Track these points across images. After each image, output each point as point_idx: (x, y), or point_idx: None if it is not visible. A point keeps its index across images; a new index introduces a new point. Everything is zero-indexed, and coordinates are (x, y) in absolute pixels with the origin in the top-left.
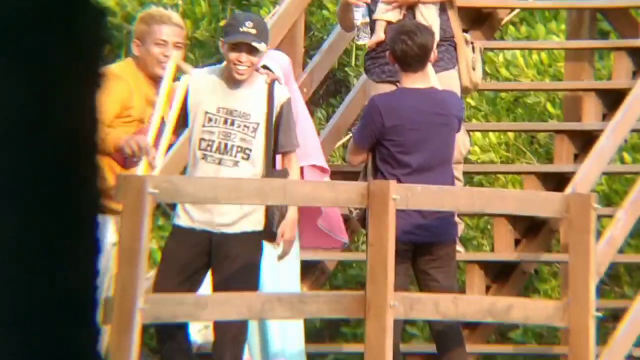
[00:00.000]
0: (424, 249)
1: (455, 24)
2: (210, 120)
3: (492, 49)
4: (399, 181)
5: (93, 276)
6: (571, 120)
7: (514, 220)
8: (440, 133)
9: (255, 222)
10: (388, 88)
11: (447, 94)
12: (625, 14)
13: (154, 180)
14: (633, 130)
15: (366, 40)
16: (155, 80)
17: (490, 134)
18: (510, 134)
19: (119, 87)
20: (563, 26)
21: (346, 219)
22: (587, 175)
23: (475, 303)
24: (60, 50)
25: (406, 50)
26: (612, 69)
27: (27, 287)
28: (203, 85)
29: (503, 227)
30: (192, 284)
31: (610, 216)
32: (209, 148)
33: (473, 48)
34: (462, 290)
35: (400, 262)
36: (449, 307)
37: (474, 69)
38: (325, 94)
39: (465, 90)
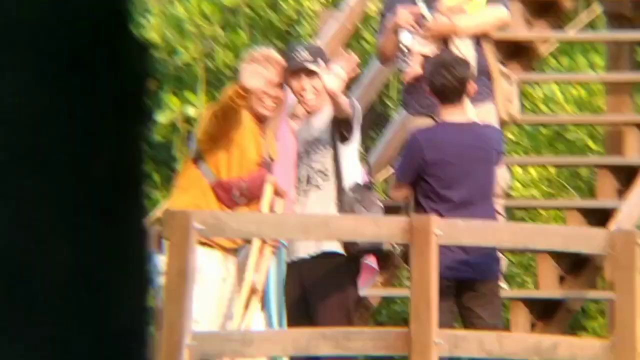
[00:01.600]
0: (468, 286)
1: (491, 56)
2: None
3: (530, 82)
4: (441, 216)
5: (142, 313)
6: (613, 154)
7: (558, 257)
8: (481, 167)
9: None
10: (426, 122)
11: (487, 127)
12: None
13: (199, 215)
14: None
15: (429, 15)
16: (259, 119)
17: (531, 169)
18: (552, 170)
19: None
20: (603, 60)
21: (388, 255)
22: (631, 210)
23: (520, 341)
24: (104, 85)
25: (445, 83)
26: None
27: (73, 324)
28: None
29: (547, 263)
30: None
31: None
32: (300, 184)
33: (510, 81)
34: (506, 328)
35: (444, 299)
36: (493, 344)
37: (510, 101)
38: (366, 128)
39: (502, 124)
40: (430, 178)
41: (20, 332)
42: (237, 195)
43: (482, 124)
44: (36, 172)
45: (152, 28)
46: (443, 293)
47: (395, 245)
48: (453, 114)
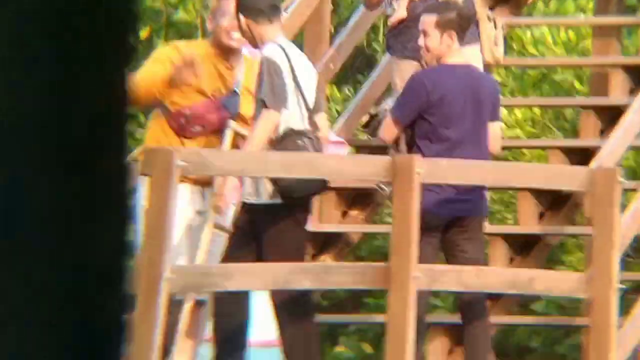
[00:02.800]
0: (457, 222)
1: (478, 1)
2: None
3: (518, 25)
4: (438, 156)
5: (123, 248)
6: (598, 95)
7: (539, 194)
8: (477, 109)
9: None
10: (410, 64)
11: (483, 75)
12: None
13: (182, 152)
14: None
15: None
16: (226, 52)
17: (516, 110)
18: (537, 111)
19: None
20: (591, 4)
21: (369, 192)
22: (613, 149)
23: (498, 275)
24: (89, 25)
25: (452, 21)
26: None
27: (53, 260)
28: None
29: (527, 200)
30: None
31: (635, 190)
32: None
33: (495, 24)
34: (485, 263)
35: (432, 235)
36: (472, 279)
37: (496, 44)
38: (353, 71)
39: (487, 66)
40: (432, 117)
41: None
42: (183, 123)
43: (477, 69)
44: (18, 112)
45: None
46: (432, 230)
47: (384, 187)
48: (455, 57)
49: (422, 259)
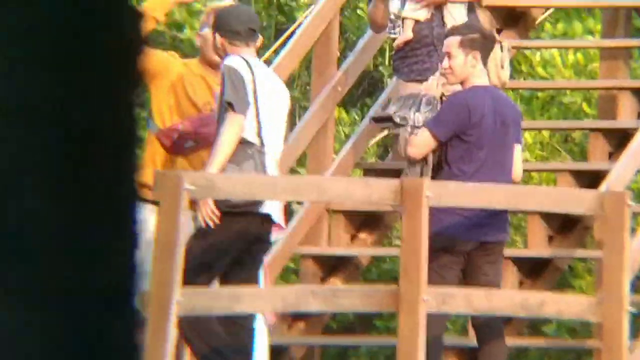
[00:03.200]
0: (482, 246)
1: (485, 23)
2: None
3: (526, 48)
4: (469, 178)
5: (130, 268)
6: (606, 118)
7: (548, 217)
8: (504, 130)
9: None
10: (416, 87)
11: (506, 97)
12: None
13: (190, 176)
14: None
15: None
16: (214, 67)
17: (525, 133)
18: (545, 134)
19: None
20: (599, 26)
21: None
22: (621, 172)
23: (508, 298)
24: (99, 49)
25: (480, 44)
26: None
27: (59, 278)
28: None
29: (537, 223)
30: None
31: None
32: None
33: (502, 47)
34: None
35: (457, 259)
36: (481, 301)
37: (502, 67)
38: (361, 94)
39: None
40: (469, 138)
41: (8, 285)
42: (175, 138)
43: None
44: (29, 130)
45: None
46: (458, 255)
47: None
48: (481, 77)
49: (446, 283)
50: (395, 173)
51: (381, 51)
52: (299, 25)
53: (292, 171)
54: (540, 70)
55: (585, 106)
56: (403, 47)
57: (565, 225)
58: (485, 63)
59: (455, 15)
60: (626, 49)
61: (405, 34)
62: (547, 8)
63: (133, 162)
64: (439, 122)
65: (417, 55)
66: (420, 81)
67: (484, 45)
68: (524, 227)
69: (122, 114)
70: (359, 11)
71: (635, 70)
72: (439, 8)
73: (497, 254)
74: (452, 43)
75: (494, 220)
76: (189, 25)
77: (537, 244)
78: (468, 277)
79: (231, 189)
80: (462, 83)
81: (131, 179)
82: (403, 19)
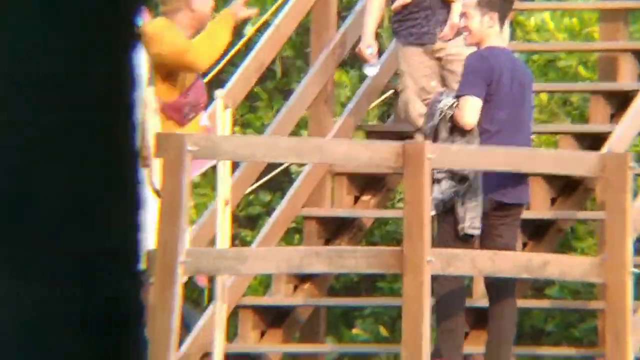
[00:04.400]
0: (500, 207)
1: None
2: None
3: (527, 9)
4: (492, 136)
5: (134, 229)
6: (606, 80)
7: (550, 179)
8: (521, 92)
9: None
10: (415, 51)
11: (521, 60)
12: None
13: (193, 137)
14: None
15: (374, 71)
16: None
17: None
18: (543, 97)
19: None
20: None
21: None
22: (623, 134)
23: (511, 259)
24: (96, 10)
25: (504, 5)
26: None
27: (64, 238)
28: None
29: (539, 186)
30: None
31: None
32: None
33: None
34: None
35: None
36: (485, 263)
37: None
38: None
39: None
40: (490, 97)
41: (14, 252)
42: (187, 111)
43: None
44: (29, 97)
45: None
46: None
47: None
48: (497, 39)
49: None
50: (397, 135)
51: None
52: None
53: (294, 134)
54: (534, 35)
55: (581, 69)
56: (401, 10)
57: (567, 187)
58: (502, 24)
59: None
60: (625, 10)
61: None
62: None
63: (133, 123)
64: (472, 84)
65: (415, 19)
66: (419, 45)
67: (502, 7)
68: None
69: (121, 76)
70: None
71: (632, 34)
72: None
73: (514, 216)
74: (469, 3)
75: (513, 182)
76: None
77: (540, 206)
78: (483, 237)
79: (234, 149)
80: (478, 44)
81: (131, 140)
82: None
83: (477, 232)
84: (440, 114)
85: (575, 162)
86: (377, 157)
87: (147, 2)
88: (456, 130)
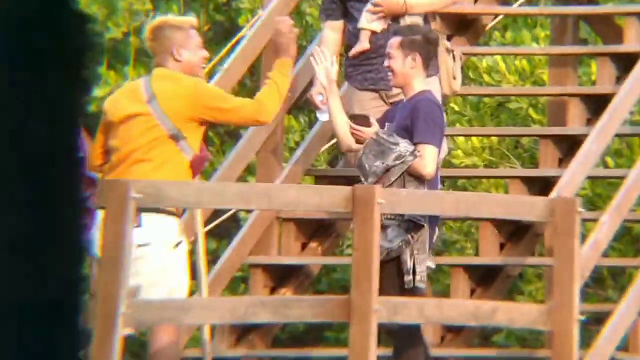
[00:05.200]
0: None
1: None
2: None
3: (476, 54)
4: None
5: (76, 281)
6: (555, 125)
7: (499, 224)
8: None
9: None
10: (369, 96)
11: None
12: (608, 20)
13: (137, 184)
14: (617, 135)
15: (327, 116)
16: None
17: (474, 138)
18: (494, 139)
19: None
20: (545, 33)
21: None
22: (571, 179)
23: (459, 307)
24: (45, 55)
25: (433, 53)
26: (596, 75)
27: (9, 292)
28: None
29: (488, 231)
30: None
31: (594, 220)
32: None
33: (454, 56)
34: (446, 294)
35: None
36: (433, 310)
37: (454, 77)
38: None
39: (443, 98)
40: None
41: None
42: (206, 165)
43: None
44: None
45: (81, 3)
46: None
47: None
48: (422, 81)
49: None
50: (347, 180)
51: None
52: (255, 21)
53: (241, 179)
54: (486, 76)
55: (532, 112)
56: (358, 56)
57: (516, 232)
58: (427, 66)
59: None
60: (574, 56)
61: (362, 44)
62: (497, 15)
63: (75, 171)
64: (433, 133)
65: (372, 64)
66: (374, 90)
67: (424, 48)
68: (474, 234)
69: (65, 122)
70: (307, 17)
71: (580, 78)
72: (396, 19)
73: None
74: (392, 43)
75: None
76: (112, 22)
77: (489, 252)
78: None
79: (180, 196)
80: (402, 86)
81: (77, 196)
82: (360, 29)
83: (424, 285)
84: (399, 157)
85: (524, 206)
86: (326, 202)
87: (94, 48)
88: (411, 175)
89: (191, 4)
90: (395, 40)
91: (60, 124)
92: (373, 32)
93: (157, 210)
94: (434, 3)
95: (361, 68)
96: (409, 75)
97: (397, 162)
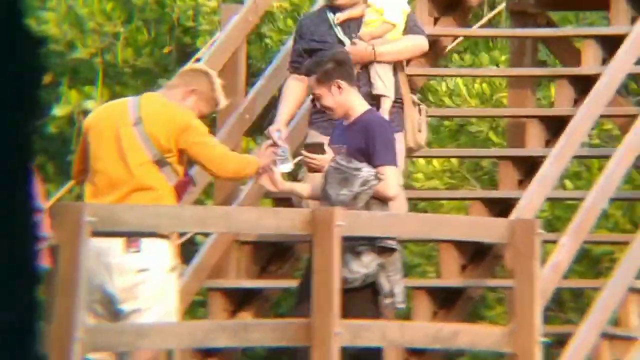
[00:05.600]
0: None
1: (404, 86)
2: None
3: (436, 76)
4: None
5: (32, 307)
6: (515, 146)
7: (460, 246)
8: None
9: None
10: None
11: None
12: (566, 42)
13: (92, 207)
14: (575, 157)
15: (288, 166)
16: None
17: (434, 161)
18: (454, 161)
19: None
20: (505, 56)
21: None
22: (531, 201)
23: (421, 329)
24: None
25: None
26: (554, 97)
27: None
28: None
29: (449, 253)
30: None
31: (554, 242)
32: None
33: (420, 110)
34: (408, 317)
35: None
36: (395, 333)
37: (419, 131)
38: (268, 123)
39: (409, 151)
40: None
41: None
42: (190, 189)
43: None
44: None
45: (51, 23)
46: None
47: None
48: (358, 100)
49: None
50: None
51: None
52: (208, 48)
53: (199, 202)
54: (447, 100)
55: (492, 135)
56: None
57: (477, 254)
58: (352, 83)
59: (382, 74)
60: (533, 78)
61: None
62: (456, 37)
63: (30, 193)
64: (391, 153)
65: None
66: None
67: (341, 71)
68: (435, 257)
69: (19, 144)
70: (266, 39)
71: (541, 100)
72: (365, 67)
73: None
74: (312, 84)
75: None
76: (81, 43)
77: (450, 274)
78: None
79: (136, 220)
80: (345, 115)
81: (30, 219)
82: None
83: (404, 305)
84: (365, 183)
85: (485, 228)
86: (285, 224)
87: (47, 70)
88: (375, 198)
89: (159, 27)
90: (312, 81)
91: (6, 148)
92: None
93: (154, 235)
94: (403, 50)
95: (327, 115)
96: (344, 101)
97: (364, 187)
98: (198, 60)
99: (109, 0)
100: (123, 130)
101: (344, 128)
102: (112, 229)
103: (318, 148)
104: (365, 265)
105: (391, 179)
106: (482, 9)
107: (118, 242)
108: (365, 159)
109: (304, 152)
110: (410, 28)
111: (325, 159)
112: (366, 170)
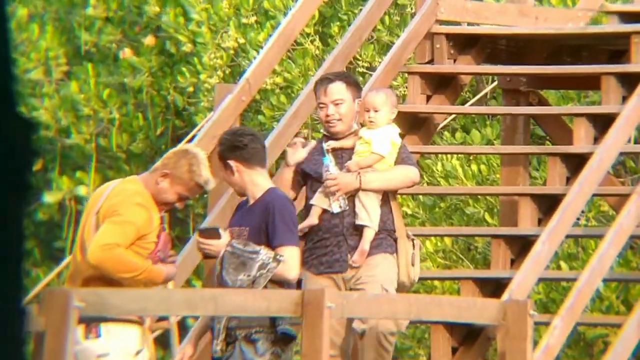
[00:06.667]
0: None
1: (398, 218)
2: None
3: (428, 153)
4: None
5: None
6: (508, 225)
7: (451, 328)
8: None
9: None
10: (325, 283)
11: None
12: (558, 120)
13: (80, 293)
14: (568, 237)
15: (335, 171)
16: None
17: (427, 242)
18: (448, 241)
19: (143, 215)
20: (496, 134)
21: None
22: (523, 281)
23: None
24: None
25: (257, 148)
26: (547, 175)
27: None
28: None
29: (440, 335)
30: None
31: (547, 324)
32: None
33: (413, 245)
34: None
35: None
36: None
37: (412, 264)
38: None
39: (401, 286)
40: None
41: None
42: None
43: None
44: None
45: (42, 109)
46: None
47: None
48: (262, 178)
49: None
50: (297, 282)
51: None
52: (199, 130)
53: (187, 284)
54: (442, 181)
55: (487, 216)
56: (312, 237)
57: (468, 336)
58: (252, 162)
59: (367, 204)
60: (526, 155)
61: (311, 219)
62: (449, 115)
63: (19, 277)
64: (293, 233)
65: (326, 247)
66: (329, 275)
67: (237, 153)
68: (426, 340)
69: (9, 228)
70: (260, 117)
71: (534, 180)
72: (351, 196)
73: None
74: (211, 181)
75: None
76: (75, 130)
77: (441, 357)
78: None
79: (124, 304)
80: (249, 192)
81: (17, 296)
82: (311, 205)
83: None
84: (263, 266)
85: (476, 309)
86: (275, 306)
87: (38, 156)
88: (274, 282)
89: (154, 109)
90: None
91: (4, 229)
92: (324, 211)
93: (117, 320)
94: (391, 179)
95: (316, 252)
96: (243, 182)
97: (262, 271)
98: (191, 140)
99: (106, 86)
100: (89, 219)
101: (246, 210)
102: (99, 314)
103: (213, 233)
104: (260, 354)
105: (291, 260)
106: (475, 86)
107: (80, 329)
108: (265, 238)
109: (197, 237)
110: (402, 159)
111: (221, 243)
112: (264, 253)
